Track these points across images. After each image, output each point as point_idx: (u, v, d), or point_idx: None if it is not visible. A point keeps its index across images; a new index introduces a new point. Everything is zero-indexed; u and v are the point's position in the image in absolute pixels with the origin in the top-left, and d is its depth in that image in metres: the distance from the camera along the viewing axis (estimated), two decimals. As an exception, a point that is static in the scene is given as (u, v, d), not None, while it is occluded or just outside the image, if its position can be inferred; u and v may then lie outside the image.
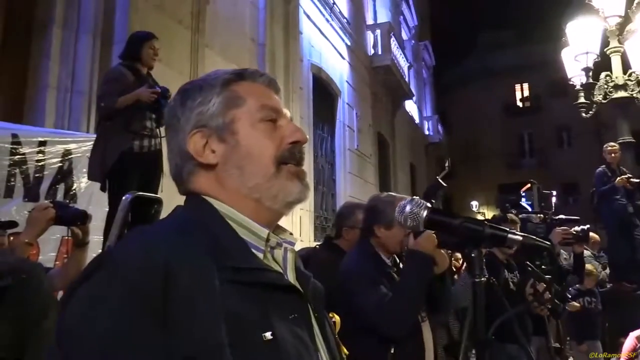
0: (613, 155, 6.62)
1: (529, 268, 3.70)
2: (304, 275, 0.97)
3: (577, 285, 5.64)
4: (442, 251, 2.28)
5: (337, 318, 1.07)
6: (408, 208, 1.09)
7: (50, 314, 2.00)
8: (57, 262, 3.91)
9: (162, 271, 0.75)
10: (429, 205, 0.82)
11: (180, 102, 0.98)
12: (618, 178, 6.39)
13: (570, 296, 5.54)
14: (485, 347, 0.90)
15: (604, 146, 6.87)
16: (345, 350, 1.03)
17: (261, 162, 0.92)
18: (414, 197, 1.12)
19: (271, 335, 0.79)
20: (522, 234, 0.85)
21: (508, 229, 0.85)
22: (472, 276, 0.88)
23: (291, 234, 1.01)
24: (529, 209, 4.33)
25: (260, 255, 0.89)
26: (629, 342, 3.03)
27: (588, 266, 5.61)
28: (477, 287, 0.87)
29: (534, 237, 0.91)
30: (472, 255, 0.88)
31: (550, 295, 3.58)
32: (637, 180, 6.38)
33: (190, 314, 0.74)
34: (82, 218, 2.51)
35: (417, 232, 2.09)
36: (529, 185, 4.44)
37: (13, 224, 2.91)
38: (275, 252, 0.93)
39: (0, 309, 1.88)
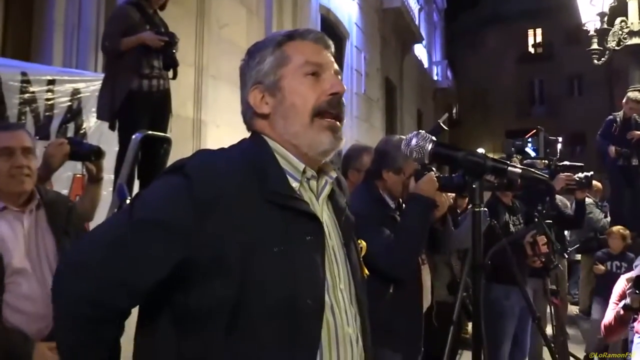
0: (630, 107, 6.35)
1: (536, 219, 3.76)
2: (338, 206, 1.17)
3: (606, 249, 5.65)
4: (443, 194, 2.33)
5: (363, 244, 1.22)
6: (414, 141, 1.15)
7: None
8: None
9: (216, 189, 0.99)
10: (434, 138, 0.87)
11: (247, 61, 1.18)
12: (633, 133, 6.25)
13: (595, 259, 5.58)
14: (481, 272, 0.97)
15: (628, 93, 6.47)
16: (366, 271, 1.21)
17: (300, 113, 1.09)
18: (420, 130, 1.17)
19: (282, 248, 0.99)
20: (522, 167, 0.90)
21: (508, 162, 0.89)
22: (472, 205, 0.94)
23: (335, 169, 1.19)
24: (534, 154, 4.33)
25: (296, 184, 1.09)
26: (619, 285, 3.11)
27: (619, 230, 5.58)
28: (477, 216, 0.93)
29: (533, 170, 0.96)
30: (474, 186, 0.93)
31: (547, 250, 3.65)
32: None
33: (221, 220, 0.98)
34: (97, 154, 2.58)
35: (419, 173, 2.12)
36: (534, 131, 4.43)
37: None
38: (311, 183, 1.13)
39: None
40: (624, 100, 6.45)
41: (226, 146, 1.15)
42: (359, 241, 1.20)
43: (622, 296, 2.99)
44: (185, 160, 1.05)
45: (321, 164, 1.15)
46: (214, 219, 0.97)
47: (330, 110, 1.10)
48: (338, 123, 1.12)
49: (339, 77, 1.15)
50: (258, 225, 0.99)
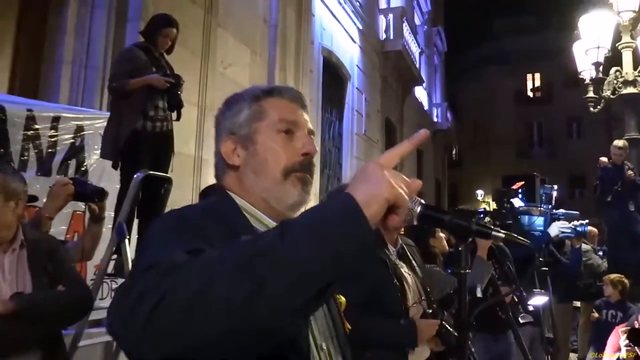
0: (614, 154, 6.60)
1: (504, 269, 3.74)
2: None
3: (605, 297, 5.58)
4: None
5: (342, 299, 1.20)
6: None
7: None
8: (67, 236, 4.02)
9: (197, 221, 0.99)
10: (422, 201, 0.91)
11: (223, 111, 1.20)
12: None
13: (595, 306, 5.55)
14: (468, 329, 1.00)
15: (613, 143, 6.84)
16: (348, 326, 1.17)
17: (272, 169, 1.10)
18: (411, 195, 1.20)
19: None
20: (505, 232, 0.93)
21: (492, 227, 0.93)
22: (458, 267, 0.97)
23: None
24: (522, 204, 4.35)
25: None
26: (613, 337, 3.10)
27: (616, 278, 5.48)
28: (463, 277, 0.96)
29: (515, 235, 0.99)
30: (459, 248, 0.96)
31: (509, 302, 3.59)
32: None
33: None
34: (100, 195, 2.64)
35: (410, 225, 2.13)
36: (522, 182, 4.47)
37: (33, 198, 3.03)
38: None
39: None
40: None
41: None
42: (338, 296, 1.17)
43: (616, 348, 2.97)
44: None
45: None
46: None
47: (300, 170, 1.11)
48: (308, 176, 1.13)
49: (312, 137, 1.17)
50: None
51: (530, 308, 3.72)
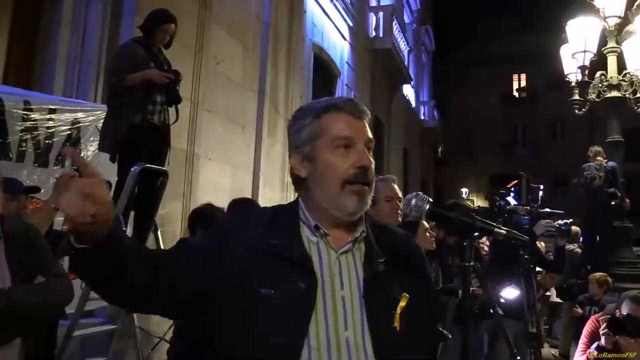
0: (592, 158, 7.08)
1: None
2: (369, 261, 1.24)
3: (588, 294, 5.75)
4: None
5: (405, 297, 1.19)
6: (414, 201, 1.29)
7: None
8: (64, 227, 4.06)
9: (226, 232, 1.26)
10: (430, 200, 0.99)
11: (291, 125, 1.35)
12: None
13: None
14: (470, 318, 1.10)
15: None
16: (397, 323, 1.18)
17: (330, 182, 1.24)
18: (419, 192, 1.31)
19: (266, 292, 1.13)
20: (507, 228, 1.02)
21: (495, 224, 1.02)
22: (462, 260, 1.06)
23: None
24: (515, 202, 4.50)
25: (315, 239, 1.24)
26: (589, 326, 3.22)
27: (600, 276, 5.66)
28: (466, 270, 1.05)
29: (517, 232, 1.09)
30: (464, 243, 1.06)
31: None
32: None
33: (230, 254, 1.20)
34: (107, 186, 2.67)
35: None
36: (516, 181, 4.61)
37: (36, 189, 3.07)
38: (328, 239, 1.24)
39: None
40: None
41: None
42: (402, 294, 1.20)
43: (592, 337, 3.07)
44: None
45: (352, 222, 1.26)
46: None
47: (357, 181, 1.23)
48: (367, 187, 1.24)
49: (370, 146, 1.27)
50: (247, 270, 1.16)
51: (502, 300, 3.82)
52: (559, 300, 7.93)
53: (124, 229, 3.46)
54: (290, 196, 6.55)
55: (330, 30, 11.52)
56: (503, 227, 1.00)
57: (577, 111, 6.83)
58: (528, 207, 4.41)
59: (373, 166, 1.26)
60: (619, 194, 6.51)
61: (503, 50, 29.17)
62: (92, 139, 4.33)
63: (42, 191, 3.15)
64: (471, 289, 3.25)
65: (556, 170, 25.54)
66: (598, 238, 6.83)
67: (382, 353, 1.14)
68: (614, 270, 6.03)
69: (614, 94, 6.43)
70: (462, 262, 1.04)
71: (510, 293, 4.01)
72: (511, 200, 4.52)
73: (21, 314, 2.20)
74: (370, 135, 1.29)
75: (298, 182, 1.31)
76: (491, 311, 2.90)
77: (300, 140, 1.29)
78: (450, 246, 3.95)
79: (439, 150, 29.74)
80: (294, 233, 1.23)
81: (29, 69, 4.84)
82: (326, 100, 1.32)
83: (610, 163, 6.84)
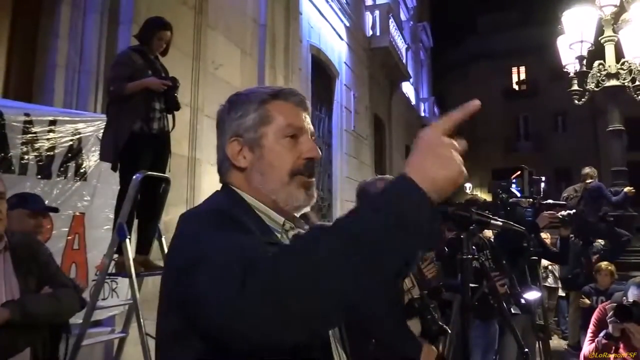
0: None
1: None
2: None
3: (594, 284, 5.81)
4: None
5: None
6: None
7: None
8: (69, 237, 4.09)
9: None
10: (427, 193, 0.99)
11: (227, 110, 1.23)
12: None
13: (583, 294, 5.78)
14: (470, 312, 1.10)
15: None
16: None
17: (278, 172, 1.16)
18: None
19: None
20: (503, 220, 1.03)
21: (491, 216, 1.02)
22: (461, 254, 1.07)
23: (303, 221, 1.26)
24: (518, 194, 4.51)
25: (278, 235, 1.15)
26: (597, 315, 3.22)
27: (607, 266, 5.74)
28: (465, 263, 1.06)
29: (511, 223, 1.09)
30: (462, 236, 1.06)
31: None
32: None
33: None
34: None
35: None
36: (519, 172, 4.62)
37: (55, 209, 3.17)
38: (290, 234, 1.18)
39: None
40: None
41: (220, 185, 1.23)
42: None
43: (600, 325, 3.08)
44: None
45: (293, 218, 1.21)
46: None
47: (304, 173, 1.17)
48: (313, 180, 1.19)
49: (314, 139, 1.22)
50: None
51: (523, 302, 3.86)
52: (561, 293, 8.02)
53: (128, 237, 3.47)
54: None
55: (327, 31, 11.54)
56: (499, 219, 1.01)
57: (576, 101, 6.82)
58: (531, 200, 4.41)
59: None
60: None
61: (503, 44, 29.15)
62: (93, 149, 4.35)
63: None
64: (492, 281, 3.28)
65: (559, 164, 25.50)
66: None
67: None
68: (620, 259, 6.03)
69: (613, 82, 6.42)
70: (461, 255, 1.05)
71: (532, 295, 4.05)
72: (515, 191, 4.53)
73: (33, 323, 2.23)
74: (312, 129, 1.24)
75: (231, 174, 1.20)
76: (495, 306, 2.91)
77: (244, 127, 1.18)
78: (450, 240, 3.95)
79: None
80: (269, 230, 1.14)
81: (29, 80, 4.86)
82: (270, 87, 1.24)
83: (594, 183, 6.99)
